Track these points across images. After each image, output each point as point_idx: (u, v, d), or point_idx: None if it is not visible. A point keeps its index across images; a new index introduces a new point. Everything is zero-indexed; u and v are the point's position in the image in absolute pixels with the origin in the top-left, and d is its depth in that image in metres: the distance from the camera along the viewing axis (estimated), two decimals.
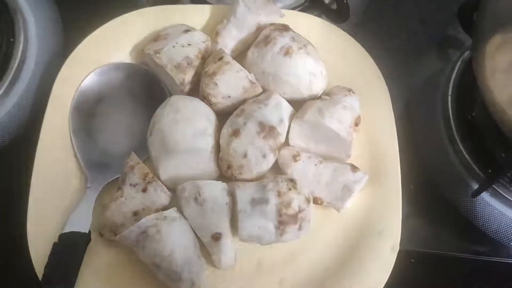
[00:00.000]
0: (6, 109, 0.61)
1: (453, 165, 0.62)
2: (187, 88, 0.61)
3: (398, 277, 0.55)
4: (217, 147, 0.57)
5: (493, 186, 0.59)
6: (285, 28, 0.60)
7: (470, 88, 0.64)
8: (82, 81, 0.62)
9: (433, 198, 0.64)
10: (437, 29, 0.75)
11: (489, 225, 0.60)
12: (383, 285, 0.54)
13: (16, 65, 0.63)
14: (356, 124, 0.58)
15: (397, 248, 0.55)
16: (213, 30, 0.64)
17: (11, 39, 0.64)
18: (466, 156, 0.61)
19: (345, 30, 0.65)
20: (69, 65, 0.62)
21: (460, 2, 0.64)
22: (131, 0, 0.70)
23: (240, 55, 0.64)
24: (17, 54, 0.63)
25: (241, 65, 0.59)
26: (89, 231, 0.54)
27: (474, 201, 0.60)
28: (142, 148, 0.58)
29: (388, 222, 0.56)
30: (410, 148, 0.62)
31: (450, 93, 0.65)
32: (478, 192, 0.59)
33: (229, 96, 0.59)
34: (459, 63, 0.67)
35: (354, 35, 0.65)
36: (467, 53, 0.67)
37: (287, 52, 0.58)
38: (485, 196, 0.60)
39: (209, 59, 0.60)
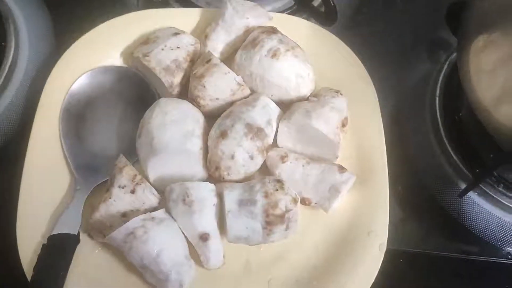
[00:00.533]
0: None
1: (440, 165, 0.62)
2: (176, 90, 0.61)
3: (387, 277, 0.56)
4: (205, 149, 0.58)
5: (481, 185, 0.60)
6: (273, 30, 0.61)
7: (457, 89, 0.65)
8: (72, 84, 0.62)
9: (421, 198, 0.64)
10: (425, 31, 0.75)
11: (477, 225, 0.61)
12: (370, 284, 0.54)
13: (7, 68, 0.63)
14: (344, 125, 0.59)
15: (385, 247, 0.55)
16: (202, 33, 0.65)
17: (2, 43, 0.64)
18: (454, 156, 0.62)
19: (334, 33, 0.66)
20: (59, 68, 0.62)
21: (448, 5, 0.65)
22: (121, 4, 0.71)
23: (228, 57, 0.64)
24: (8, 58, 0.64)
25: (230, 67, 0.60)
26: (78, 233, 0.55)
27: (461, 201, 0.61)
28: (131, 151, 0.59)
29: (376, 221, 0.57)
30: (398, 150, 0.63)
31: (437, 94, 0.65)
32: (465, 192, 0.59)
33: (217, 98, 0.59)
34: (446, 65, 0.67)
35: (343, 38, 0.66)
36: (454, 55, 0.68)
37: (274, 55, 0.58)
38: (473, 195, 0.60)
39: (197, 62, 0.61)
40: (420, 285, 0.61)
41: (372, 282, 0.54)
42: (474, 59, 0.54)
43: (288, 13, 0.69)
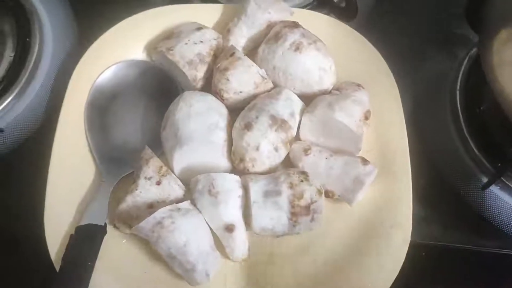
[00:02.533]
0: (23, 106, 0.63)
1: (462, 159, 0.62)
2: (199, 84, 0.62)
3: (409, 270, 0.55)
4: (229, 141, 0.58)
5: (502, 179, 0.60)
6: (295, 25, 0.62)
7: (478, 83, 0.65)
8: (97, 78, 0.63)
9: (443, 192, 0.64)
10: (444, 25, 0.76)
11: (499, 218, 0.61)
12: (394, 277, 0.54)
13: (32, 63, 0.64)
14: (366, 118, 0.59)
15: (408, 239, 0.55)
16: (223, 29, 0.66)
17: (27, 39, 0.66)
18: (475, 149, 0.62)
19: (353, 28, 0.66)
20: (84, 63, 0.63)
21: (466, 0, 0.66)
22: (143, 0, 0.72)
23: (250, 52, 0.65)
24: (33, 53, 0.65)
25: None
26: (105, 224, 0.55)
27: (483, 194, 0.61)
28: (155, 144, 0.60)
29: (399, 214, 0.57)
30: (419, 144, 0.63)
31: (458, 88, 0.66)
32: (487, 185, 0.60)
33: (240, 92, 0.60)
34: (466, 59, 0.68)
35: (362, 33, 0.66)
36: (474, 50, 0.68)
37: (297, 48, 0.59)
38: (494, 189, 0.60)
39: (221, 56, 0.61)
40: (442, 278, 0.61)
41: (396, 275, 0.54)
42: (498, 52, 0.55)
43: (308, 9, 0.70)
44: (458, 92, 0.65)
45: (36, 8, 0.68)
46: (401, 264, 0.55)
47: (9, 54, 0.65)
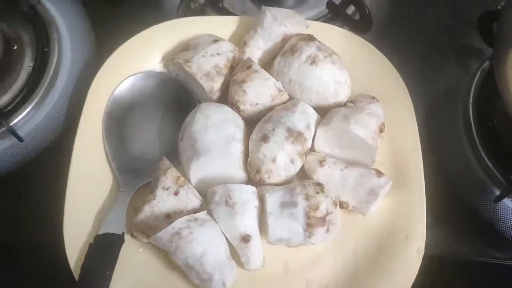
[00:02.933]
0: (42, 116, 0.64)
1: (475, 171, 0.63)
2: (216, 95, 0.63)
3: (422, 282, 0.56)
4: (246, 153, 0.59)
5: None
6: (310, 38, 0.62)
7: (490, 96, 0.66)
8: (115, 89, 0.64)
9: (455, 204, 0.65)
10: (457, 39, 0.76)
11: None
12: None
13: (51, 74, 0.66)
14: (381, 131, 0.60)
15: (422, 251, 0.56)
16: (239, 41, 0.66)
17: (46, 49, 0.67)
18: (488, 162, 0.62)
19: (367, 40, 0.67)
20: (102, 74, 0.64)
21: (479, 13, 0.66)
22: (161, 12, 0.73)
23: (265, 64, 0.66)
24: (52, 63, 0.66)
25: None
26: (123, 233, 0.56)
27: (496, 207, 0.61)
28: (171, 154, 0.60)
29: (413, 225, 0.57)
30: (432, 156, 0.63)
31: (471, 101, 0.66)
32: (500, 198, 0.60)
33: (257, 104, 0.61)
34: (479, 72, 0.68)
35: (376, 45, 0.67)
36: (487, 63, 0.68)
37: (313, 61, 0.60)
38: (507, 201, 0.61)
39: (237, 68, 0.62)
40: None
41: (410, 287, 0.55)
42: (511, 67, 0.55)
43: (322, 21, 0.71)
44: (471, 105, 0.66)
45: (55, 18, 0.69)
46: (415, 276, 0.55)
47: (28, 64, 0.66)
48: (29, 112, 0.63)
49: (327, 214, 0.54)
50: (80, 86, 0.66)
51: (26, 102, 0.64)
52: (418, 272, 0.55)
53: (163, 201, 0.56)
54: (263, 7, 0.64)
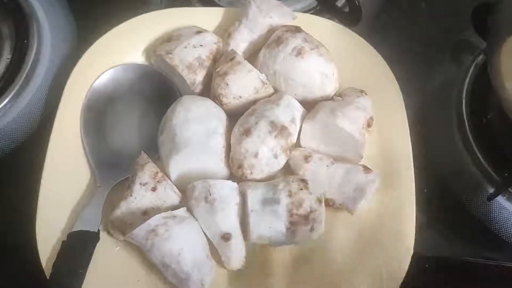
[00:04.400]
0: (19, 108, 0.62)
1: (467, 168, 0.61)
2: (198, 88, 0.61)
3: (411, 282, 0.54)
4: (228, 147, 0.57)
5: (509, 189, 0.58)
6: (297, 29, 0.60)
7: (484, 91, 0.64)
8: (94, 81, 0.62)
9: (447, 202, 0.63)
10: (450, 32, 0.74)
11: (505, 230, 0.59)
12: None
13: (29, 66, 0.63)
14: (369, 125, 0.58)
15: (411, 250, 0.54)
16: (224, 33, 0.64)
17: (25, 41, 0.65)
18: (481, 159, 0.60)
19: (357, 34, 0.65)
20: (81, 66, 0.62)
21: (472, 6, 0.64)
22: (143, 3, 0.71)
23: (251, 57, 0.63)
24: (31, 55, 0.64)
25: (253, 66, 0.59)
26: (98, 230, 0.54)
27: (489, 205, 0.59)
28: (152, 149, 0.58)
29: (402, 224, 0.55)
30: (423, 152, 0.61)
31: (464, 96, 0.64)
32: (493, 196, 0.58)
33: (240, 97, 0.58)
34: (472, 67, 0.66)
35: (366, 38, 0.65)
36: (480, 57, 0.66)
37: (299, 53, 0.58)
38: (501, 200, 0.59)
39: (220, 60, 0.60)
40: None
41: (398, 286, 0.53)
42: (506, 60, 0.53)
43: (311, 13, 0.69)
44: (464, 100, 0.64)
45: (35, 9, 0.67)
46: (404, 275, 0.53)
47: (6, 56, 0.64)
48: (5, 105, 0.61)
49: (311, 211, 0.52)
50: (59, 79, 0.64)
51: (2, 95, 0.61)
52: (408, 272, 0.53)
53: (140, 197, 0.54)
54: None
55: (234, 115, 0.59)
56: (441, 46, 0.74)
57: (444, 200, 0.63)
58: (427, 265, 0.59)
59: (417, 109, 0.67)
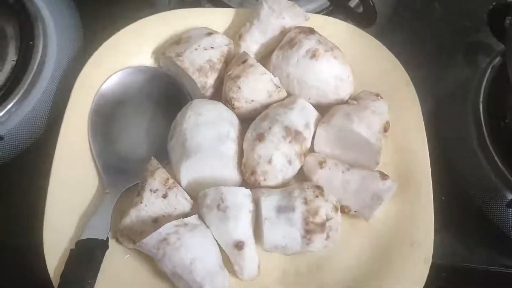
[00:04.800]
0: (25, 112, 0.61)
1: (486, 174, 0.59)
2: (209, 92, 0.59)
3: None
4: (240, 153, 0.55)
5: None
6: (310, 31, 0.59)
7: (502, 94, 0.62)
8: (102, 84, 0.60)
9: (465, 209, 0.61)
10: (465, 34, 0.73)
11: None
12: None
13: (35, 68, 0.62)
14: (385, 130, 0.56)
15: (430, 259, 0.52)
16: (235, 34, 0.63)
17: (31, 42, 0.63)
18: (500, 164, 0.58)
19: (371, 35, 0.63)
20: (89, 68, 0.60)
21: (488, 7, 0.63)
22: (151, 4, 0.70)
23: (263, 59, 0.62)
24: (36, 57, 0.62)
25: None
26: (107, 238, 0.52)
27: (509, 212, 0.58)
28: (162, 154, 0.57)
29: (420, 232, 0.53)
30: (439, 157, 0.60)
31: (481, 100, 0.62)
32: None
33: (252, 101, 0.57)
34: (489, 69, 0.64)
35: (380, 40, 0.63)
36: (497, 59, 0.65)
37: (313, 55, 0.56)
38: None
39: (232, 62, 0.58)
40: None
41: None
42: None
43: (324, 14, 0.67)
44: (481, 104, 0.62)
45: (41, 10, 0.66)
46: (422, 286, 0.51)
47: (11, 58, 0.63)
48: (10, 108, 0.60)
49: (327, 219, 0.50)
50: (66, 82, 0.63)
51: (8, 98, 0.60)
52: (428, 281, 0.52)
53: (150, 204, 0.52)
54: None
55: (246, 120, 0.57)
56: (455, 48, 0.72)
57: (462, 206, 0.61)
58: (444, 274, 0.58)
59: (431, 113, 0.65)
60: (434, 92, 0.67)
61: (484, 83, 0.64)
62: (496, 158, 0.59)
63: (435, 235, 0.53)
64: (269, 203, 0.51)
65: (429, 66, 0.69)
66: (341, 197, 0.54)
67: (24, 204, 0.58)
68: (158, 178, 0.53)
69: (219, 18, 0.64)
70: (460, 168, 0.62)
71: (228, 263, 0.52)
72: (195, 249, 0.49)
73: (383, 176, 0.54)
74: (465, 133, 0.62)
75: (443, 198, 0.58)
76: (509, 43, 0.57)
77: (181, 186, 0.54)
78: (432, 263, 0.52)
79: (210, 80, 0.59)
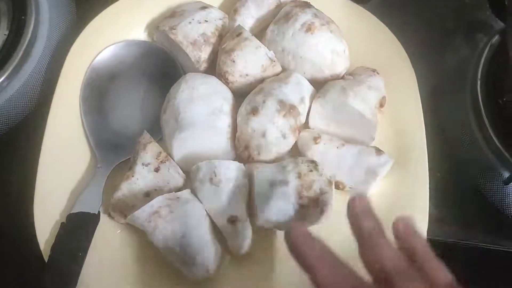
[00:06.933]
0: (16, 87, 0.59)
1: (483, 152, 0.59)
2: (203, 66, 0.58)
3: None
4: (234, 127, 0.54)
5: None
6: (306, 4, 0.58)
7: (500, 73, 0.61)
8: (94, 58, 0.59)
9: (461, 186, 0.60)
10: (464, 12, 0.71)
11: None
12: None
13: (26, 43, 0.60)
14: (381, 105, 0.55)
15: (425, 235, 0.51)
16: (230, 8, 0.62)
17: (22, 17, 0.62)
18: (497, 142, 0.58)
19: (368, 11, 0.62)
20: (80, 42, 0.59)
21: None
22: None
23: (258, 33, 0.61)
24: (28, 32, 0.61)
25: None
26: (99, 212, 0.52)
27: (505, 190, 0.57)
28: (155, 129, 0.56)
29: (415, 208, 0.53)
30: (437, 135, 0.59)
31: (479, 78, 0.61)
32: (510, 180, 0.56)
33: (247, 75, 0.56)
34: (488, 47, 0.64)
35: (377, 16, 0.62)
36: (496, 37, 0.64)
37: (309, 29, 0.55)
38: None
39: (227, 36, 0.57)
40: (459, 278, 0.57)
41: None
42: None
43: None
44: (479, 82, 0.61)
45: None
46: None
47: (3, 32, 0.61)
48: (1, 83, 0.58)
49: (321, 193, 0.49)
50: (58, 56, 0.61)
51: None
52: None
53: (142, 178, 0.52)
54: None
55: (240, 94, 0.56)
56: (453, 26, 0.71)
57: (458, 183, 0.60)
58: (439, 252, 0.57)
59: (430, 90, 0.64)
60: (432, 71, 0.66)
61: (482, 61, 0.63)
62: (493, 136, 0.58)
63: (431, 213, 0.53)
64: (262, 177, 0.50)
65: (427, 44, 0.68)
66: (336, 172, 0.53)
67: (15, 178, 0.57)
68: (150, 151, 0.52)
69: None
70: (457, 145, 0.62)
71: (221, 237, 0.51)
72: (187, 223, 0.49)
73: (379, 151, 0.53)
74: (463, 111, 0.61)
75: (438, 174, 0.58)
76: (509, 21, 0.56)
77: (173, 160, 0.53)
78: (428, 240, 0.52)
79: (204, 54, 0.58)
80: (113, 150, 0.55)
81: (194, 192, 0.52)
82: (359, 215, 0.40)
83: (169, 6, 0.62)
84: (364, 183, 0.53)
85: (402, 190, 0.55)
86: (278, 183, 0.50)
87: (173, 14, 0.59)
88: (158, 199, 0.48)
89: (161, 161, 0.52)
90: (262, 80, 0.56)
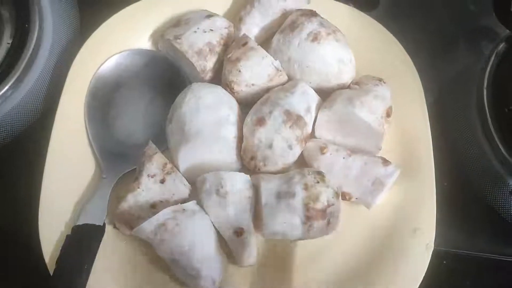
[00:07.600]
0: (20, 96, 0.59)
1: (489, 161, 0.58)
2: (208, 76, 0.58)
3: (430, 279, 0.52)
4: (240, 137, 0.54)
5: None
6: (312, 13, 0.58)
7: (506, 81, 0.61)
8: (99, 67, 0.59)
9: (468, 196, 0.60)
10: (469, 19, 0.71)
11: None
12: (417, 286, 0.50)
13: (30, 51, 0.60)
14: (388, 115, 0.55)
15: (432, 246, 0.52)
16: (235, 17, 0.61)
17: (26, 25, 0.61)
18: (503, 151, 0.57)
19: (374, 19, 0.62)
20: (85, 51, 0.59)
21: None
22: None
23: (263, 42, 0.60)
24: (32, 40, 0.60)
25: None
26: (104, 224, 0.51)
27: (511, 200, 0.57)
28: (160, 139, 0.56)
29: (422, 218, 0.53)
30: (442, 144, 0.59)
31: (485, 86, 0.61)
32: None
33: (253, 84, 0.56)
34: (494, 55, 0.63)
35: (383, 24, 0.62)
36: (502, 45, 0.63)
37: (315, 38, 0.55)
38: None
39: (232, 45, 0.57)
40: None
41: (418, 285, 0.50)
42: None
43: None
44: (485, 90, 0.61)
45: None
46: (424, 273, 0.51)
47: (6, 41, 0.61)
48: (5, 92, 0.58)
49: (328, 205, 0.49)
50: (62, 65, 0.61)
51: (2, 82, 0.58)
52: (427, 269, 0.51)
53: (148, 189, 0.51)
54: None
55: (246, 104, 0.56)
56: (458, 34, 0.71)
57: (465, 193, 0.60)
58: (445, 262, 0.57)
59: (435, 99, 0.64)
60: (438, 79, 0.66)
61: (488, 69, 0.62)
62: (500, 145, 0.58)
63: (437, 223, 0.53)
64: (269, 189, 0.50)
65: (432, 52, 0.68)
66: (342, 183, 0.53)
67: (19, 190, 0.57)
68: (156, 162, 0.52)
69: (219, 1, 0.63)
70: (463, 154, 0.61)
71: (227, 249, 0.51)
72: (193, 235, 0.48)
73: (385, 162, 0.53)
74: (469, 120, 0.61)
75: (445, 184, 0.58)
76: None
77: (179, 171, 0.53)
78: (433, 250, 0.52)
79: (209, 63, 0.57)
80: (118, 160, 0.55)
81: (199, 204, 0.51)
82: None
83: (174, 15, 0.62)
84: (370, 194, 0.53)
85: (409, 200, 0.55)
86: (284, 194, 0.50)
87: (178, 23, 0.59)
88: (164, 211, 0.48)
89: (166, 172, 0.51)
90: (268, 90, 0.56)
